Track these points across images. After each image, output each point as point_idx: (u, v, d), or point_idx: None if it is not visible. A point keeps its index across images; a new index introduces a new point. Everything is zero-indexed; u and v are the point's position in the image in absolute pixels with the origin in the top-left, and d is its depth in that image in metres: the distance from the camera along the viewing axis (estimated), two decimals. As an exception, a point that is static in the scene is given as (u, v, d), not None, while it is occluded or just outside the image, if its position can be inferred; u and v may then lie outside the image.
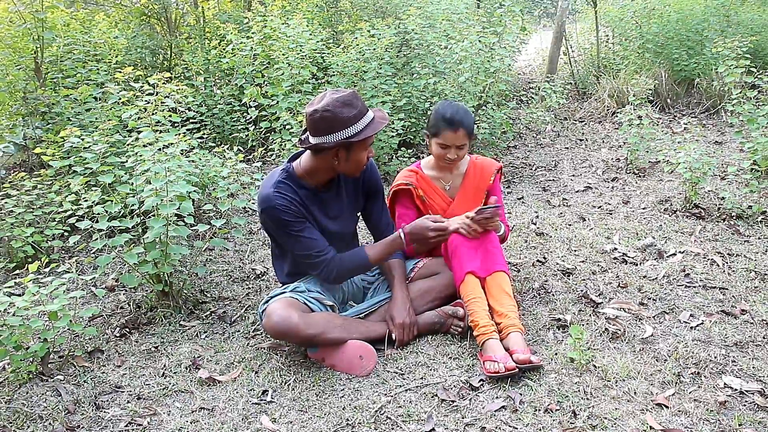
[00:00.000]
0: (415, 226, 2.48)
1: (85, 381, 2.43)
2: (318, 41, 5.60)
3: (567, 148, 6.17)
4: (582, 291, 2.90)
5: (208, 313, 2.95)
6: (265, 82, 5.41)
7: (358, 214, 2.72)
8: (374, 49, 5.36)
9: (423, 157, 5.61)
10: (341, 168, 2.39)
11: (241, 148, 4.52)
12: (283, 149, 4.61)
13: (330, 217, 2.53)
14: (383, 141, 4.94)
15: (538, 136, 6.69)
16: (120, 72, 3.32)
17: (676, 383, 2.21)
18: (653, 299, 2.82)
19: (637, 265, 3.21)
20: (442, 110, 2.66)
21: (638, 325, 2.60)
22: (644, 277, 3.06)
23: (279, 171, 2.44)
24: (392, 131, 4.97)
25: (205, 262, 3.59)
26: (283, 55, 5.14)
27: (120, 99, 3.35)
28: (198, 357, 2.57)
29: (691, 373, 2.26)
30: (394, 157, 5.21)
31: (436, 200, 2.86)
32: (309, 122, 2.27)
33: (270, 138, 5.06)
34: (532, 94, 6.32)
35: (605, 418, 2.04)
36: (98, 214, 2.73)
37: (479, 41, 5.34)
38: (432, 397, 2.21)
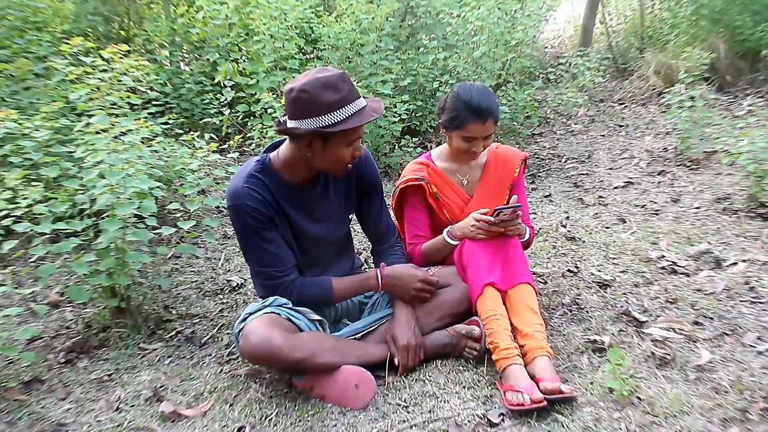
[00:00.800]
0: (399, 272, 2.54)
1: (20, 418, 2.41)
2: (306, 8, 5.60)
3: (603, 135, 6.18)
4: (622, 307, 2.89)
5: (173, 333, 2.95)
6: (243, 58, 5.41)
7: (351, 216, 2.72)
8: (373, 17, 5.36)
9: (431, 147, 5.70)
10: (316, 162, 2.39)
11: (214, 136, 4.50)
12: (264, 137, 4.61)
13: (314, 219, 2.53)
14: (384, 128, 4.94)
15: (569, 121, 6.69)
16: (67, 43, 3.32)
17: (741, 421, 2.20)
18: (710, 318, 2.81)
19: (689, 276, 3.20)
20: (465, 96, 2.66)
21: (692, 348, 2.59)
22: (699, 290, 3.05)
23: (253, 162, 2.45)
24: (394, 116, 4.98)
25: (170, 273, 3.58)
26: (264, 24, 5.14)
27: (67, 76, 3.34)
28: (160, 387, 2.56)
29: (760, 409, 2.24)
30: (396, 147, 5.21)
31: (452, 198, 2.86)
32: (286, 102, 2.30)
33: (248, 124, 5.07)
34: (562, 72, 6.33)
35: (652, 461, 2.03)
36: (40, 214, 2.72)
37: (498, 8, 5.35)
38: (442, 434, 2.20)
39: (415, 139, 5.27)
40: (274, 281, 2.46)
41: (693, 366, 2.47)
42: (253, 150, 4.72)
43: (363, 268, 2.99)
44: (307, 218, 2.51)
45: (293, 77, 2.56)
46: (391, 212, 3.06)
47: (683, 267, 3.27)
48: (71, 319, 3.09)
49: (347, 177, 2.57)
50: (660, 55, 7.30)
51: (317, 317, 2.49)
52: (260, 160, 2.44)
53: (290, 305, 2.47)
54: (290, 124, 2.31)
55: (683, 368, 2.47)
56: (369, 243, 2.88)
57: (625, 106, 7.21)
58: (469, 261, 2.60)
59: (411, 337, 2.49)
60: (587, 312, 2.89)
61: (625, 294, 3.04)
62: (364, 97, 2.39)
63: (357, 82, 4.82)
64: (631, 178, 4.81)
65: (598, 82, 5.97)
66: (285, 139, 2.48)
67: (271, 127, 4.45)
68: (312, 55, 5.78)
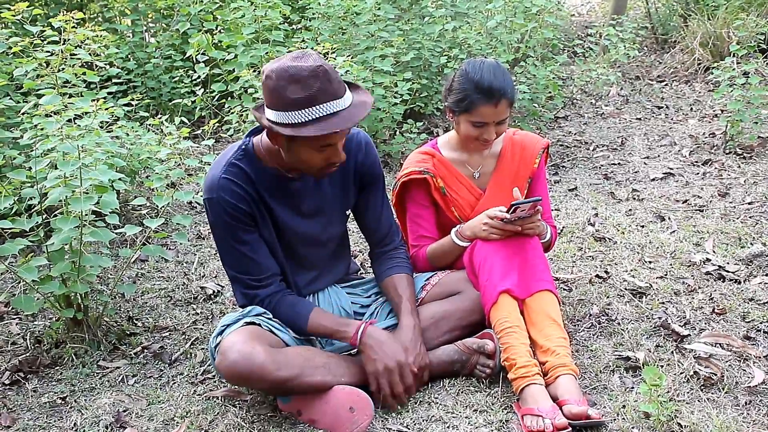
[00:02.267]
0: (380, 341, 2.46)
1: (-40, 448, 2.44)
2: (292, -31, 5.62)
3: (639, 119, 6.20)
4: (660, 319, 2.91)
5: (138, 349, 2.97)
6: (219, 28, 5.42)
7: (349, 213, 2.73)
8: (370, -20, 5.37)
9: (437, 134, 5.71)
10: (286, 159, 2.41)
11: (186, 120, 4.52)
12: (244, 121, 4.63)
13: (303, 213, 2.54)
14: (383, 111, 4.96)
15: (599, 102, 6.71)
16: (8, 8, 3.32)
17: (795, 448, 2.22)
18: (764, 332, 2.83)
19: (739, 283, 3.22)
20: (474, 75, 2.67)
21: (742, 367, 2.60)
22: (751, 300, 3.06)
23: (234, 148, 2.47)
24: (395, 96, 4.99)
25: (134, 279, 3.60)
26: (243, -12, 5.16)
27: (10, 48, 3.35)
28: (124, 411, 2.58)
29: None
30: (397, 133, 5.22)
31: (462, 193, 2.88)
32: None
33: (225, 106, 5.09)
34: (591, 44, 6.34)
35: (693, 496, 2.05)
36: (-19, 211, 2.75)
37: (517, -31, 5.36)
38: (451, 466, 2.23)
39: (419, 124, 5.28)
40: (248, 291, 2.51)
41: (744, 388, 2.49)
42: (231, 136, 4.73)
43: (359, 273, 3.01)
44: (294, 213, 2.52)
45: (278, 53, 2.57)
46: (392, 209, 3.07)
47: (732, 272, 3.29)
48: (17, 334, 3.11)
49: (344, 167, 2.58)
50: (707, 23, 7.31)
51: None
52: (241, 146, 2.46)
53: (273, 318, 2.49)
54: (261, 111, 2.36)
55: (732, 390, 2.48)
56: (366, 244, 2.88)
57: (666, 84, 7.23)
58: (482, 265, 2.62)
59: (402, 355, 2.46)
60: (619, 324, 2.91)
61: (663, 303, 3.06)
62: (354, 89, 2.38)
63: (352, 58, 4.83)
64: (672, 169, 4.83)
65: (633, 56, 6.00)
66: None
67: (248, 110, 4.48)
68: (299, 26, 5.79)
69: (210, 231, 2.59)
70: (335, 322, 2.53)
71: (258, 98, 4.53)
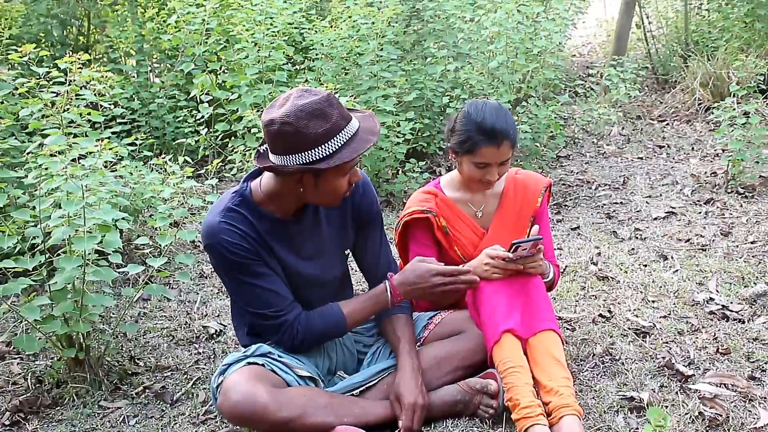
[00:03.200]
0: (409, 276, 2.55)
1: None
2: (295, 12, 5.69)
3: (641, 158, 6.23)
4: (664, 359, 2.90)
5: (140, 389, 2.96)
6: (223, 68, 5.49)
7: (347, 251, 2.74)
8: (373, 22, 5.45)
9: (440, 173, 5.74)
10: (309, 197, 2.43)
11: (189, 159, 4.57)
12: (247, 161, 4.66)
13: (303, 256, 2.56)
14: (385, 150, 5.00)
15: (600, 141, 6.75)
16: (16, 50, 3.36)
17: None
18: (768, 371, 2.82)
19: (743, 322, 3.22)
20: (476, 117, 2.70)
21: (748, 408, 2.59)
22: (755, 339, 3.06)
23: (230, 194, 2.48)
24: (398, 136, 5.03)
25: (136, 318, 3.60)
26: (247, 30, 5.23)
27: (16, 89, 3.39)
28: (124, 452, 2.56)
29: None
30: (400, 172, 5.25)
31: (464, 232, 2.89)
32: (266, 134, 2.31)
33: (229, 145, 5.13)
34: (593, 84, 6.40)
35: None
36: (-15, 250, 2.76)
37: (518, 11, 5.43)
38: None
39: (421, 163, 5.32)
40: (274, 321, 2.47)
41: (749, 429, 2.48)
42: (234, 175, 4.77)
43: None
44: (296, 255, 2.53)
45: (281, 92, 2.60)
46: (394, 248, 3.08)
47: (736, 312, 3.29)
48: (18, 374, 3.10)
49: (342, 206, 2.60)
50: (707, 64, 7.38)
51: (308, 374, 2.51)
52: (239, 192, 2.47)
53: (276, 355, 2.49)
54: (274, 159, 2.34)
55: None
56: (366, 283, 2.88)
57: (667, 124, 7.28)
58: (484, 304, 2.62)
59: (419, 395, 2.50)
60: (623, 364, 2.90)
61: (667, 343, 3.05)
62: (351, 111, 2.43)
63: (354, 98, 4.88)
64: (674, 208, 4.84)
65: (634, 95, 6.05)
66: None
67: (254, 148, 4.51)
68: (302, 66, 5.85)
69: (215, 273, 2.57)
70: (364, 299, 2.60)
71: (261, 138, 4.56)
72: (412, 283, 2.54)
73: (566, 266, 3.92)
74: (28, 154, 3.11)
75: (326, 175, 2.33)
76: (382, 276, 2.71)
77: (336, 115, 2.28)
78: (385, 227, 4.71)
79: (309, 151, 2.26)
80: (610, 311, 3.35)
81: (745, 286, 3.54)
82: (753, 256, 3.93)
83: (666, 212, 4.77)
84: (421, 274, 2.53)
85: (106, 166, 3.43)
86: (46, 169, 2.85)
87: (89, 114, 3.42)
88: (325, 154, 2.28)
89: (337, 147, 2.28)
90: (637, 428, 2.50)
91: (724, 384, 2.72)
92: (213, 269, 2.54)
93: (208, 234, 2.40)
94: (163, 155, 4.91)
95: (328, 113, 2.27)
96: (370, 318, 2.64)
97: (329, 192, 2.39)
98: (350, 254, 2.77)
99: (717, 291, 3.52)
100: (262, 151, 2.41)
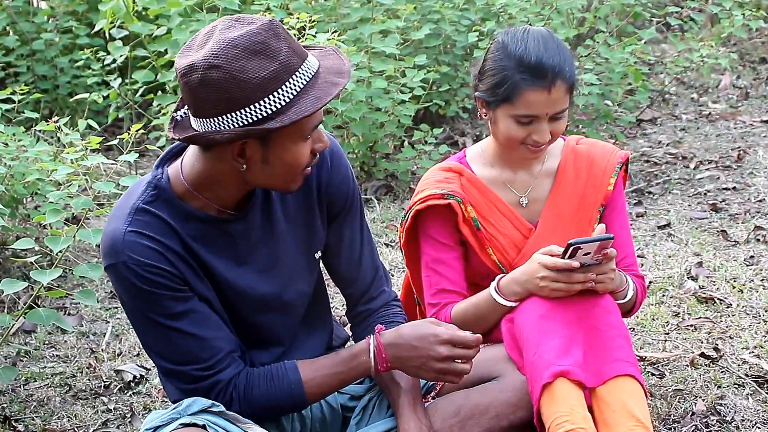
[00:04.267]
0: (406, 336, 2.48)
1: None
2: None
3: (766, 122, 6.21)
4: (799, 418, 2.91)
5: (19, 463, 2.97)
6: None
7: (318, 254, 2.71)
8: None
9: (464, 144, 5.68)
10: (256, 178, 2.37)
11: (95, 124, 4.54)
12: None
13: (254, 269, 2.53)
14: (384, 112, 5.00)
15: (704, 97, 6.74)
16: None
17: None
18: None
19: None
20: (515, 48, 2.69)
21: None
22: None
23: (139, 189, 2.43)
24: (403, 91, 5.02)
25: (15, 360, 3.59)
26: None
27: None
28: None
29: None
30: (406, 144, 5.24)
31: (502, 227, 2.89)
32: (184, 89, 2.26)
33: (154, 103, 5.11)
34: (693, 12, 6.39)
35: None
36: None
37: None
38: None
39: (437, 131, 5.31)
40: (199, 384, 2.44)
41: None
42: (162, 148, 4.75)
43: (348, 344, 2.99)
44: (239, 267, 2.50)
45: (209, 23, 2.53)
46: (398, 253, 3.07)
47: None
48: None
49: (306, 191, 2.57)
50: None
51: (267, 433, 2.51)
52: (151, 182, 2.41)
53: (222, 409, 2.48)
54: (198, 124, 2.30)
55: None
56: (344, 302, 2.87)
57: (804, 72, 7.28)
58: (529, 336, 2.61)
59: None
60: (737, 428, 2.90)
61: (803, 395, 3.06)
62: (307, 48, 2.37)
63: (338, 35, 4.87)
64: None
65: (757, 28, 6.01)
66: (185, 145, 2.48)
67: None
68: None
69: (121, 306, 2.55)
70: (335, 360, 2.53)
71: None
72: (409, 346, 2.47)
73: (651, 282, 3.91)
74: None
75: (278, 139, 2.27)
76: (369, 286, 2.70)
77: (285, 50, 2.21)
78: (384, 224, 4.76)
79: (251, 106, 2.21)
80: (717, 349, 3.34)
81: None
82: None
83: (801, 203, 4.77)
84: (423, 336, 2.45)
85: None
86: None
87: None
88: (275, 108, 2.22)
89: (291, 96, 2.23)
90: None
91: None
92: (121, 304, 2.50)
93: (109, 250, 2.34)
94: (54, 117, 4.89)
95: (274, 47, 2.20)
96: (340, 388, 2.59)
97: (283, 167, 2.34)
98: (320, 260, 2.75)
99: None
100: (179, 117, 2.37)
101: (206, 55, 2.17)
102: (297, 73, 2.22)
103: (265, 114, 2.19)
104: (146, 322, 2.39)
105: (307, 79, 2.24)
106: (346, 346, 2.91)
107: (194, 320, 2.39)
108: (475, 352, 2.47)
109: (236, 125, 2.20)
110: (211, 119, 2.22)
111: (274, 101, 2.20)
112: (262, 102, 2.19)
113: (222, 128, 2.21)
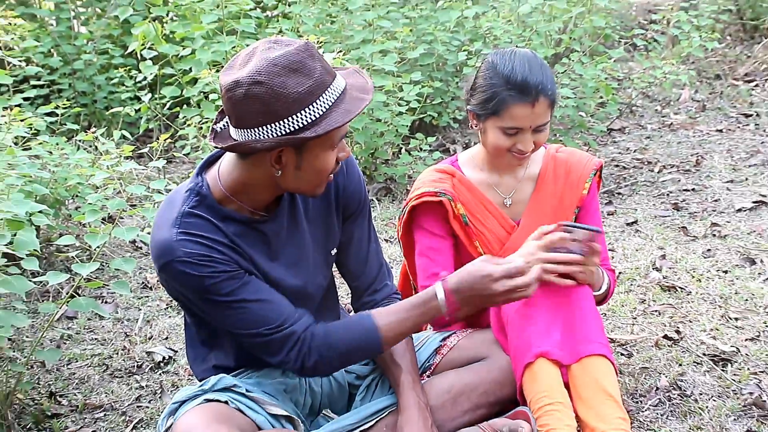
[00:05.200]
0: (466, 281, 2.43)
1: None
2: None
3: (720, 131, 6.22)
4: (752, 394, 2.90)
5: (62, 434, 2.98)
6: (171, 15, 5.48)
7: (334, 251, 2.72)
8: (367, -46, 5.45)
9: (455, 151, 5.70)
10: (289, 183, 2.38)
11: (128, 134, 4.55)
12: (204, 136, 4.66)
13: (282, 263, 2.54)
14: (384, 122, 5.00)
15: (666, 109, 6.75)
16: None
17: None
18: None
19: None
20: (503, 68, 2.70)
21: None
22: None
23: (183, 193, 2.42)
24: (400, 104, 5.03)
25: (59, 342, 3.60)
26: (202, -36, 5.22)
27: None
28: None
29: None
30: (403, 151, 5.25)
31: (489, 224, 2.90)
32: (228, 103, 2.27)
33: (180, 116, 5.12)
34: (656, 34, 6.40)
35: None
36: None
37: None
38: None
39: (431, 139, 5.31)
40: (276, 336, 2.42)
41: None
42: (187, 155, 4.76)
43: None
44: (273, 263, 2.50)
45: (246, 46, 2.55)
46: (397, 248, 3.07)
47: None
48: None
49: (323, 195, 2.58)
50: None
51: (283, 412, 2.50)
52: (193, 190, 2.41)
53: (243, 389, 2.48)
54: (239, 135, 2.30)
55: None
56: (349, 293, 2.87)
57: (756, 85, 7.26)
58: (513, 320, 2.62)
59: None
60: (696, 401, 2.91)
61: (755, 374, 3.05)
62: (334, 68, 2.40)
63: (343, 54, 4.87)
64: (765, 196, 4.84)
65: (712, 48, 6.02)
66: (222, 152, 2.48)
67: (213, 120, 4.52)
68: (275, 12, 5.84)
69: (179, 299, 2.52)
70: (409, 305, 2.49)
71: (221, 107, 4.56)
72: (470, 287, 2.43)
73: (621, 273, 3.92)
74: None
75: (311, 147, 2.30)
76: (375, 277, 2.73)
77: (319, 68, 2.24)
78: (384, 222, 4.76)
79: (289, 118, 2.22)
80: (678, 332, 3.35)
81: None
82: None
83: (754, 202, 4.76)
84: (480, 278, 2.41)
85: (16, 143, 3.44)
86: (-61, 146, 2.86)
87: (-5, 74, 3.44)
88: (310, 120, 2.24)
89: (324, 109, 2.25)
90: (715, 484, 2.51)
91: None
92: (183, 299, 2.47)
93: (161, 253, 2.33)
94: (93, 128, 4.89)
95: (310, 66, 2.23)
96: (413, 334, 2.60)
97: (313, 172, 2.36)
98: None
99: (821, 306, 3.53)
100: (219, 129, 2.38)
101: (250, 72, 2.19)
102: (329, 90, 2.25)
103: (301, 125, 2.22)
104: (212, 304, 2.39)
105: (338, 95, 2.27)
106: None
107: (252, 290, 2.39)
108: (530, 278, 2.41)
109: (275, 135, 2.22)
110: (252, 129, 2.23)
111: (310, 114, 2.22)
112: (299, 114, 2.21)
113: (262, 137, 2.23)
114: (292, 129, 2.22)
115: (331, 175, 2.41)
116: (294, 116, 2.21)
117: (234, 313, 2.39)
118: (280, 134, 2.22)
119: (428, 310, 2.45)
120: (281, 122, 2.21)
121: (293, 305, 2.45)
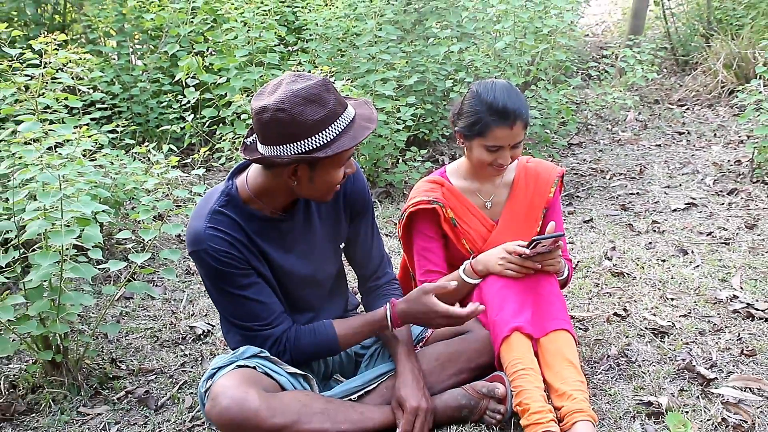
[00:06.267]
0: (413, 304, 2.52)
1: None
2: (287, -12, 5.68)
3: (659, 145, 6.23)
4: (684, 360, 2.90)
5: (122, 393, 2.96)
6: (210, 50, 5.48)
7: (342, 245, 2.75)
8: (371, 0, 5.43)
9: (443, 161, 5.72)
10: (303, 191, 2.42)
11: (175, 148, 4.55)
12: (237, 149, 4.66)
13: (295, 255, 2.56)
14: (384, 138, 4.99)
15: (615, 128, 6.75)
16: (-14, 30, 3.37)
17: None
18: (795, 373, 2.82)
19: (768, 321, 3.22)
20: (486, 96, 2.71)
21: (773, 412, 2.59)
22: (780, 339, 3.06)
23: (217, 193, 2.48)
24: (398, 123, 5.02)
25: (118, 318, 3.60)
26: (236, 8, 5.22)
27: (-12, 72, 3.39)
28: (105, 461, 2.57)
29: None
30: (400, 162, 5.25)
31: (473, 224, 2.90)
32: (257, 123, 2.30)
33: (217, 132, 5.12)
34: (607, 67, 6.40)
35: None
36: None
37: (527, -13, 5.41)
38: None
39: (423, 152, 5.32)
40: (259, 334, 2.50)
41: (775, 434, 2.48)
42: (222, 165, 4.77)
43: (359, 309, 3.01)
44: (287, 255, 2.54)
45: (272, 76, 2.57)
46: (395, 241, 3.07)
47: (762, 310, 3.28)
48: (-8, 377, 3.11)
49: (333, 199, 2.60)
50: (731, 43, 7.37)
51: (301, 371, 2.52)
52: (224, 191, 2.47)
53: (267, 355, 2.49)
54: (264, 150, 2.33)
55: (762, 437, 2.47)
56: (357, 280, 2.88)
57: (687, 109, 7.27)
58: (492, 300, 2.63)
59: (422, 399, 2.51)
60: (639, 366, 2.91)
61: (687, 344, 3.05)
62: (347, 98, 2.44)
63: (351, 82, 4.88)
64: (695, 199, 4.84)
65: (652, 78, 6.03)
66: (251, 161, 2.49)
67: (244, 136, 4.51)
68: (295, 47, 5.84)
69: (202, 281, 2.56)
70: (360, 322, 2.59)
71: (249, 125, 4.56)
72: (415, 316, 2.53)
73: (578, 261, 3.93)
74: (0, 142, 3.11)
75: (322, 165, 2.34)
76: (376, 269, 2.77)
77: (332, 100, 2.28)
78: (384, 220, 4.75)
79: (305, 140, 2.26)
80: (625, 310, 3.35)
81: (771, 283, 3.55)
82: (780, 251, 3.93)
83: (686, 203, 4.76)
84: (426, 311, 2.50)
85: (84, 155, 3.43)
86: (20, 158, 2.85)
87: (66, 99, 3.41)
88: (322, 143, 2.27)
89: (335, 135, 2.29)
90: (656, 435, 2.50)
91: (749, 388, 2.72)
92: (202, 280, 2.53)
93: (193, 240, 2.40)
94: (146, 143, 4.90)
95: (325, 98, 2.27)
96: (363, 340, 2.65)
97: (324, 184, 2.39)
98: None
99: (741, 288, 3.52)
100: (249, 143, 2.40)
101: (276, 101, 2.24)
102: (340, 118, 2.29)
103: (315, 146, 2.26)
104: (221, 292, 2.46)
105: (347, 123, 2.31)
106: (357, 310, 2.99)
107: (255, 290, 2.46)
108: (465, 313, 2.50)
109: (293, 153, 2.27)
110: (275, 147, 2.28)
111: (322, 137, 2.26)
112: (313, 137, 2.26)
113: (282, 154, 2.28)
114: (308, 149, 2.27)
115: (339, 186, 2.46)
116: (309, 139, 2.26)
117: (234, 304, 2.48)
118: (297, 153, 2.27)
119: (378, 327, 2.58)
120: (299, 143, 2.26)
121: (282, 309, 2.54)
